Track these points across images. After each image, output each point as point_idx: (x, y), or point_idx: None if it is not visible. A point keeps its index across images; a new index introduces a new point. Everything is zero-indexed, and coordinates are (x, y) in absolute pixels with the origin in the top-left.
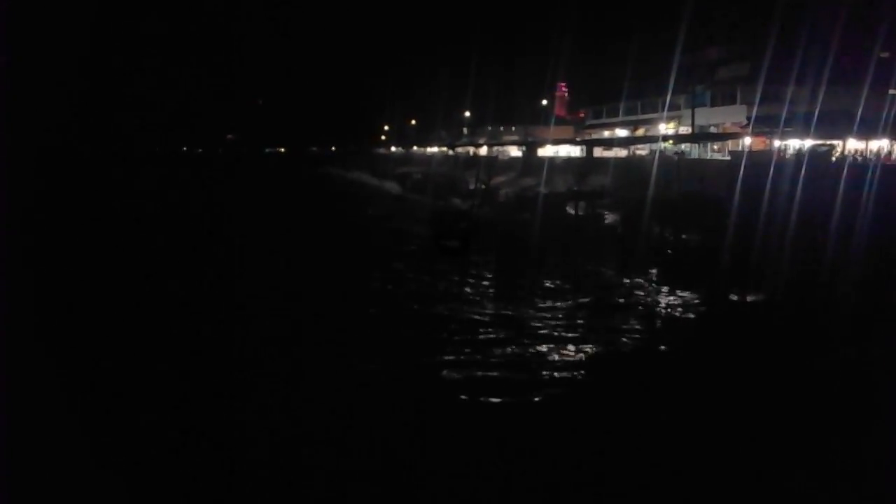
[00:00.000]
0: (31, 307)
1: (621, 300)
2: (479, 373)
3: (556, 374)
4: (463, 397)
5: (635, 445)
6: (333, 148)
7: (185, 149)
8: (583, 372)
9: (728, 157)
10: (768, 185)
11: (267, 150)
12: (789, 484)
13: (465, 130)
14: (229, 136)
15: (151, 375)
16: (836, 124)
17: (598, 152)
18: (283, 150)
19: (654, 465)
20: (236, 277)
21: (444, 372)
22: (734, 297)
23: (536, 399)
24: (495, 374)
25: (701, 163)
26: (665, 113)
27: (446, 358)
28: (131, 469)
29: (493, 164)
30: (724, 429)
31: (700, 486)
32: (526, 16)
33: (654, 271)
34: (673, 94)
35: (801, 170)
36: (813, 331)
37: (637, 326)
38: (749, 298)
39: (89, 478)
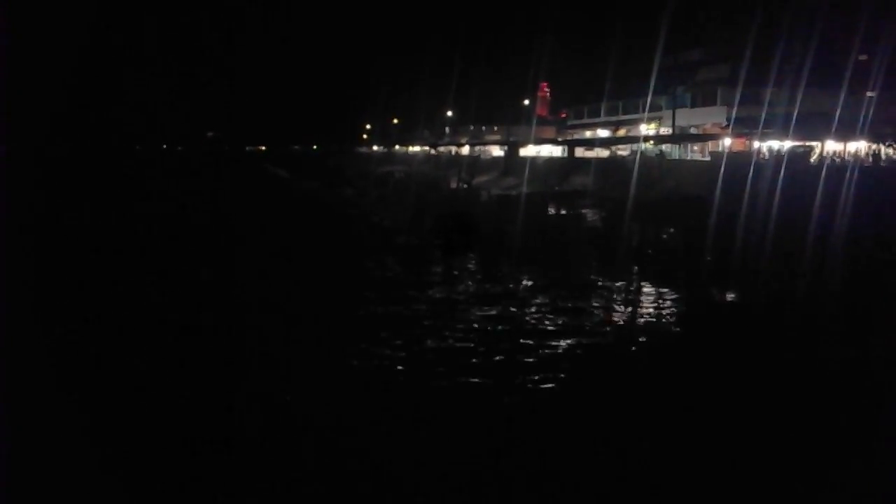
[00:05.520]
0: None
1: (601, 296)
2: None
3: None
4: None
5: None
6: (315, 147)
7: (164, 146)
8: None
9: (708, 158)
10: (748, 186)
11: (248, 149)
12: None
13: (447, 130)
14: (209, 134)
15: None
16: (814, 126)
17: (580, 152)
18: (263, 148)
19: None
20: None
21: None
22: (712, 295)
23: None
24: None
25: (681, 163)
26: (646, 114)
27: None
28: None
29: (475, 164)
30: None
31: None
32: (509, 16)
33: (633, 270)
34: (654, 95)
35: (779, 171)
36: (791, 327)
37: (615, 323)
38: (728, 296)
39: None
